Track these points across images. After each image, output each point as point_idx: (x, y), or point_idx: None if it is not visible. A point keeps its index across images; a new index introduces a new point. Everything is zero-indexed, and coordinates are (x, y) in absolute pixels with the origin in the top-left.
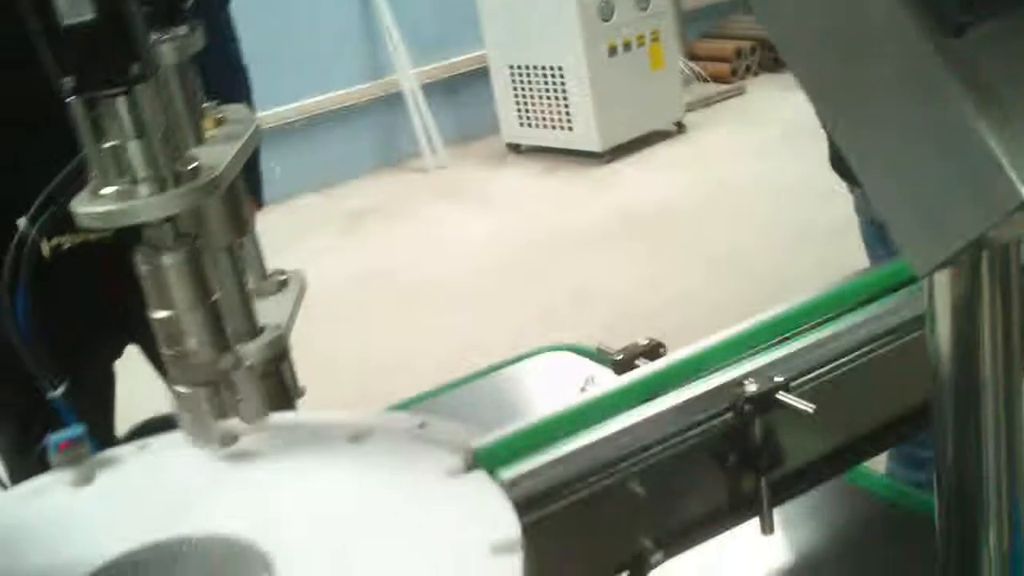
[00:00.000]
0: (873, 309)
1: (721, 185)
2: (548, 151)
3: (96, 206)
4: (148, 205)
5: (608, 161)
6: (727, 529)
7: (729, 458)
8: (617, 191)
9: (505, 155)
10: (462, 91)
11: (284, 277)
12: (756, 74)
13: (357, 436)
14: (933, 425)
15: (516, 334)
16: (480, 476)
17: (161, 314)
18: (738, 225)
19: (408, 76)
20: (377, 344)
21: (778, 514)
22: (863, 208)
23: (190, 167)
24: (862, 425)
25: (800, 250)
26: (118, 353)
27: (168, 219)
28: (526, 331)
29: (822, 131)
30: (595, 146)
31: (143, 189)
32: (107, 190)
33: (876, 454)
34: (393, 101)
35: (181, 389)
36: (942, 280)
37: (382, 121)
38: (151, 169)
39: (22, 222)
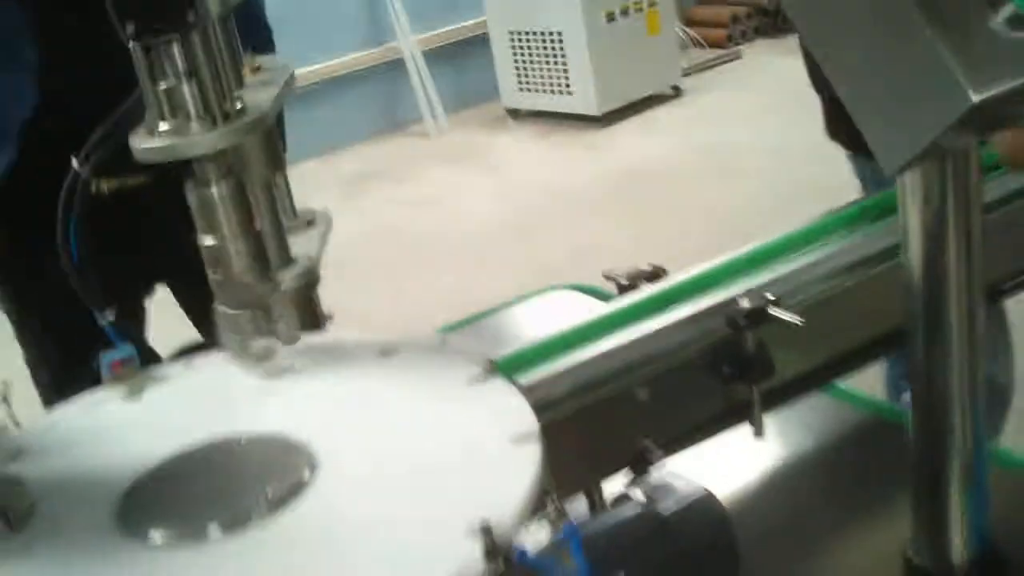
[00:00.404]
0: (858, 237)
1: (717, 147)
2: (547, 115)
3: (153, 141)
4: (201, 140)
5: (606, 124)
6: (722, 432)
7: (724, 368)
8: (615, 153)
9: (505, 120)
10: (462, 57)
11: (311, 217)
12: (752, 40)
13: (386, 352)
14: (908, 338)
15: (519, 290)
16: (500, 382)
17: (209, 241)
18: (734, 185)
19: (409, 43)
20: (380, 301)
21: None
22: (861, 173)
23: (237, 107)
24: (846, 341)
25: (794, 209)
26: (148, 293)
27: (217, 154)
28: (528, 287)
29: (816, 95)
30: (593, 110)
31: (196, 126)
32: (163, 127)
33: (859, 368)
34: (394, 67)
35: (225, 310)
36: (913, 193)
37: (383, 87)
38: (203, 108)
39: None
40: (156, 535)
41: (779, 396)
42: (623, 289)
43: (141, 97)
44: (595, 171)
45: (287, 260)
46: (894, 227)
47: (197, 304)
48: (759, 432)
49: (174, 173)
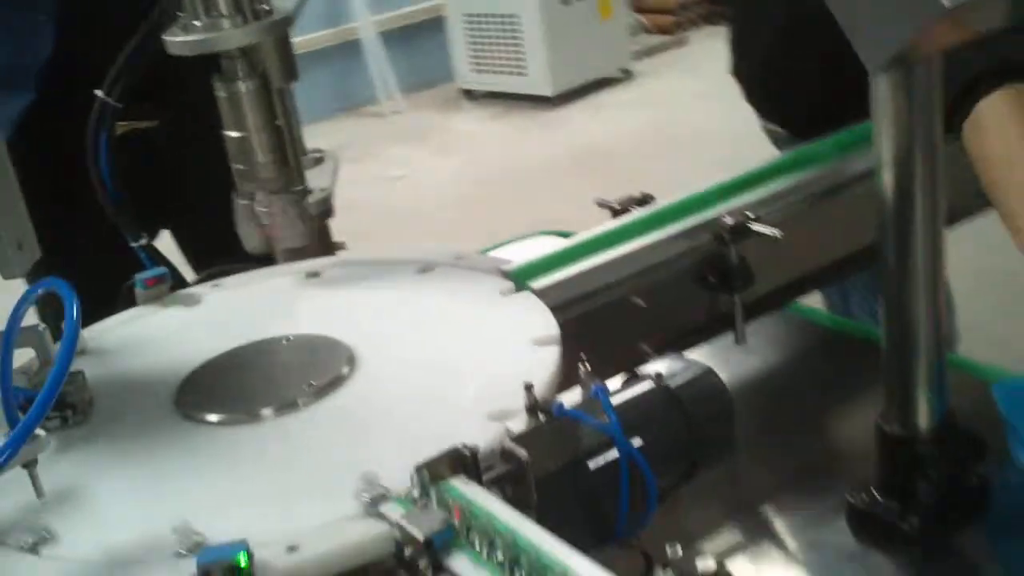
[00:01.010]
0: (834, 163)
1: (665, 127)
2: (501, 96)
3: (188, 35)
4: (233, 34)
5: (559, 105)
6: (708, 339)
7: (710, 279)
8: (568, 132)
9: (459, 100)
10: (418, 39)
11: (321, 155)
12: (699, 26)
13: (424, 268)
14: (880, 252)
15: None
16: (526, 294)
17: (235, 134)
18: (680, 163)
19: (366, 23)
20: None
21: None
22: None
23: (264, 7)
24: (822, 256)
25: None
26: (153, 237)
27: (246, 50)
28: None
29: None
30: (547, 91)
31: (227, 23)
32: (197, 23)
33: (834, 283)
34: (351, 48)
35: (243, 202)
36: (884, 121)
37: (339, 68)
38: (234, 6)
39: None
40: (212, 416)
41: (761, 307)
42: (616, 213)
43: (157, 28)
44: (550, 149)
45: (301, 171)
46: (866, 156)
47: (201, 250)
48: (740, 339)
49: (186, 116)
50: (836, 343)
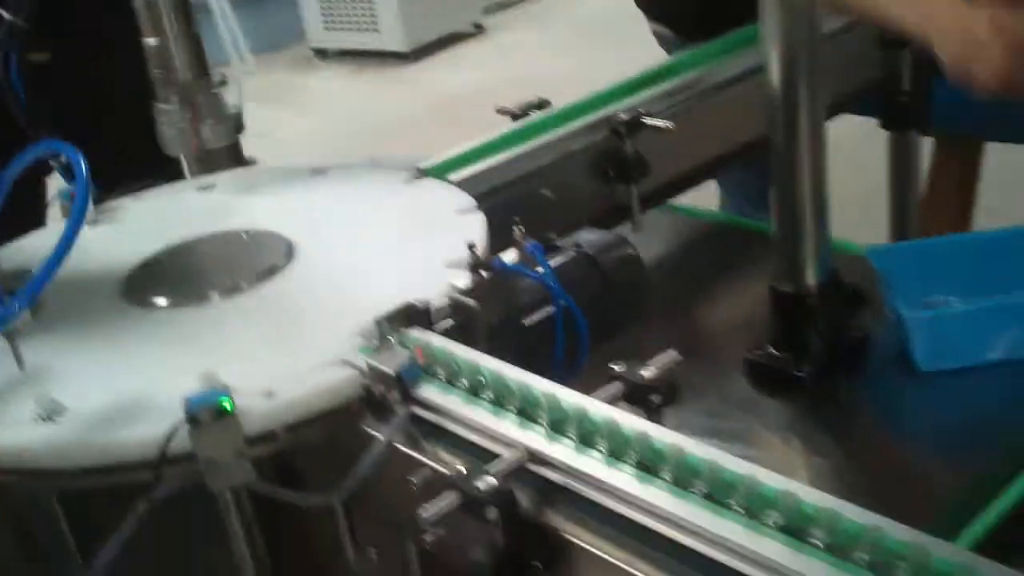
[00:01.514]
0: (721, 62)
1: (521, 79)
2: (354, 54)
3: None
4: None
5: (414, 61)
6: (608, 229)
7: (609, 172)
8: (425, 87)
9: (312, 60)
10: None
11: (223, 77)
12: None
13: (318, 171)
14: (769, 143)
15: None
16: (431, 180)
17: (154, 41)
18: None
19: None
20: None
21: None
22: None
23: None
24: (713, 149)
25: None
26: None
27: None
28: None
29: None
30: (401, 46)
31: None
32: None
33: (722, 174)
34: (198, 11)
35: (165, 107)
36: (771, 23)
37: None
38: None
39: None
40: (160, 301)
41: (659, 197)
42: (516, 118)
43: None
44: (408, 104)
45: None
46: (752, 55)
47: (107, 171)
48: (637, 227)
49: (76, 49)
50: (725, 235)
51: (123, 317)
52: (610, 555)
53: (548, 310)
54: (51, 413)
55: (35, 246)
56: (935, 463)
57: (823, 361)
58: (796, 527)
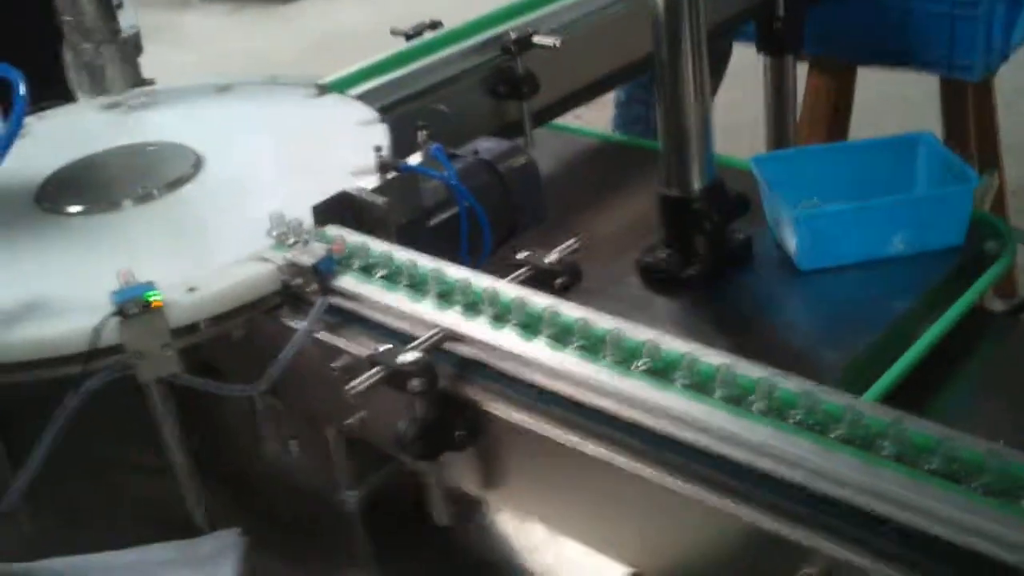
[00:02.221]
0: None
1: (396, 13)
2: None
3: None
4: None
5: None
6: None
7: (499, 88)
8: (310, 23)
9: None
10: None
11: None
12: None
13: (223, 89)
14: (656, 63)
15: None
16: (333, 95)
17: None
18: None
19: None
20: None
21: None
22: None
23: None
24: (599, 68)
25: None
26: None
27: None
28: None
29: None
30: None
31: None
32: None
33: (609, 90)
34: None
35: (75, 53)
36: None
37: None
38: None
39: None
40: (74, 208)
41: (549, 114)
42: (409, 38)
43: None
44: (290, 41)
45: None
46: None
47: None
48: (529, 144)
49: None
50: (614, 153)
51: (37, 224)
52: (527, 422)
53: (452, 211)
54: None
55: None
56: (814, 352)
57: (710, 262)
58: (696, 383)
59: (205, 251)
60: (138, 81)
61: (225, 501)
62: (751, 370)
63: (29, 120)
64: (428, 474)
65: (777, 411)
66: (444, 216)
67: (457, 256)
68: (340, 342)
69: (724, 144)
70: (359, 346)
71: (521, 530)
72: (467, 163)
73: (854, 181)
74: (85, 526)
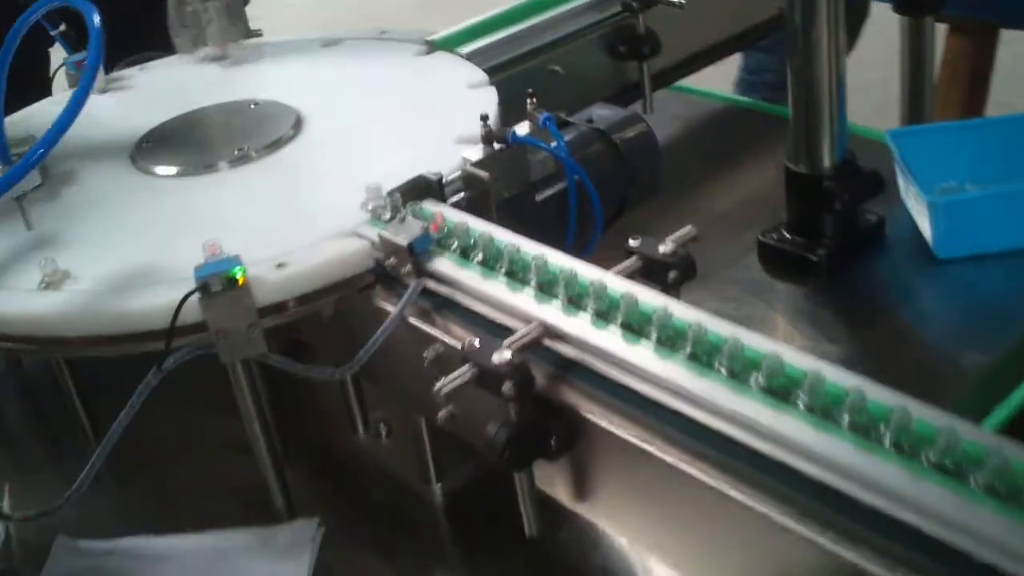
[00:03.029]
0: None
1: None
2: None
3: None
4: None
5: None
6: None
7: (620, 48)
8: None
9: None
10: None
11: None
12: None
13: (328, 43)
14: (787, 24)
15: None
16: (443, 53)
17: None
18: None
19: None
20: None
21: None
22: None
23: None
24: (726, 28)
25: None
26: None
27: None
28: None
29: None
30: None
31: None
32: None
33: (733, 53)
34: None
35: (179, 9)
36: None
37: None
38: None
39: None
40: (169, 170)
41: (670, 77)
42: None
43: None
44: None
45: None
46: None
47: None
48: (648, 108)
49: None
50: (740, 118)
51: (131, 185)
52: (626, 432)
53: (561, 185)
54: (57, 281)
55: (44, 113)
56: (950, 351)
57: (838, 246)
58: (821, 407)
59: (299, 221)
60: (245, 33)
61: (311, 483)
62: (884, 395)
63: (131, 72)
64: (518, 481)
65: (911, 448)
66: (552, 190)
67: (565, 233)
68: (433, 330)
69: (851, 106)
70: (452, 336)
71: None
72: (580, 132)
73: (1002, 160)
74: (172, 503)
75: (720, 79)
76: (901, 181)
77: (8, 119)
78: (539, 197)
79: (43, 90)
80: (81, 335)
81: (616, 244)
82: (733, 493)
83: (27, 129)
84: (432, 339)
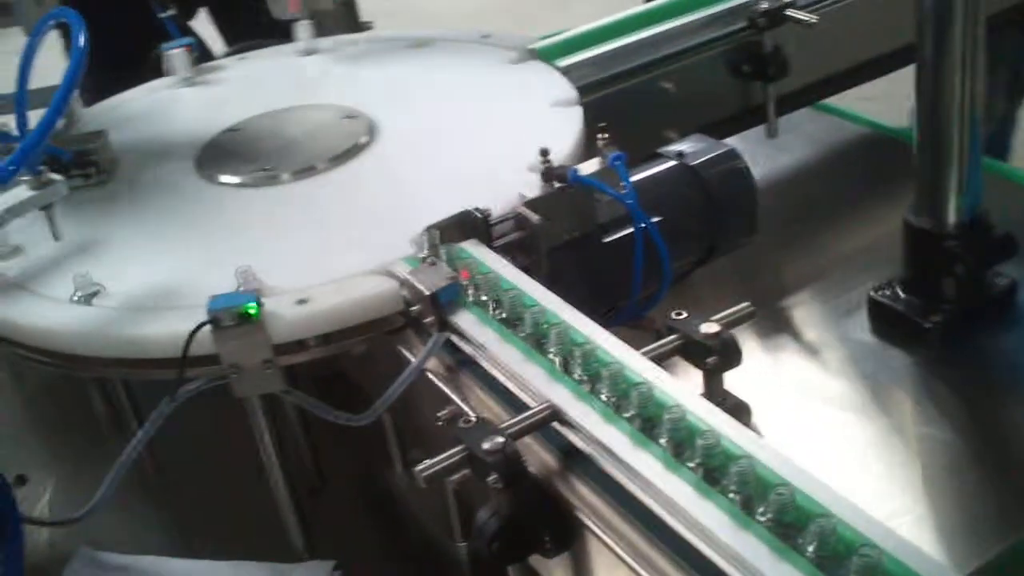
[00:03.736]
0: None
1: None
2: None
3: None
4: None
5: None
6: (739, 131)
7: (743, 67)
8: None
9: None
10: None
11: None
12: None
13: (421, 43)
14: (917, 58)
15: None
16: (537, 63)
17: None
18: None
19: None
20: None
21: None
22: None
23: None
24: (860, 51)
25: None
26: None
27: None
28: None
29: None
30: None
31: None
32: None
33: (867, 80)
34: None
35: None
36: None
37: None
38: None
39: None
40: (232, 179)
41: (796, 100)
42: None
43: None
44: None
45: None
46: None
47: (234, 29)
48: (772, 132)
49: None
50: (870, 144)
51: (188, 192)
52: (621, 549)
53: (630, 228)
54: (88, 295)
55: (135, 100)
56: None
57: (958, 312)
58: (828, 555)
59: (339, 247)
60: (353, 20)
61: (343, 514)
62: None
63: (228, 62)
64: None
65: None
66: (623, 233)
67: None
68: (447, 388)
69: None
70: (468, 400)
71: None
72: (665, 167)
73: None
74: (197, 532)
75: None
76: None
77: (105, 103)
78: (607, 239)
79: (157, 74)
80: (96, 355)
81: (702, 290)
82: None
83: (104, 121)
84: (448, 399)
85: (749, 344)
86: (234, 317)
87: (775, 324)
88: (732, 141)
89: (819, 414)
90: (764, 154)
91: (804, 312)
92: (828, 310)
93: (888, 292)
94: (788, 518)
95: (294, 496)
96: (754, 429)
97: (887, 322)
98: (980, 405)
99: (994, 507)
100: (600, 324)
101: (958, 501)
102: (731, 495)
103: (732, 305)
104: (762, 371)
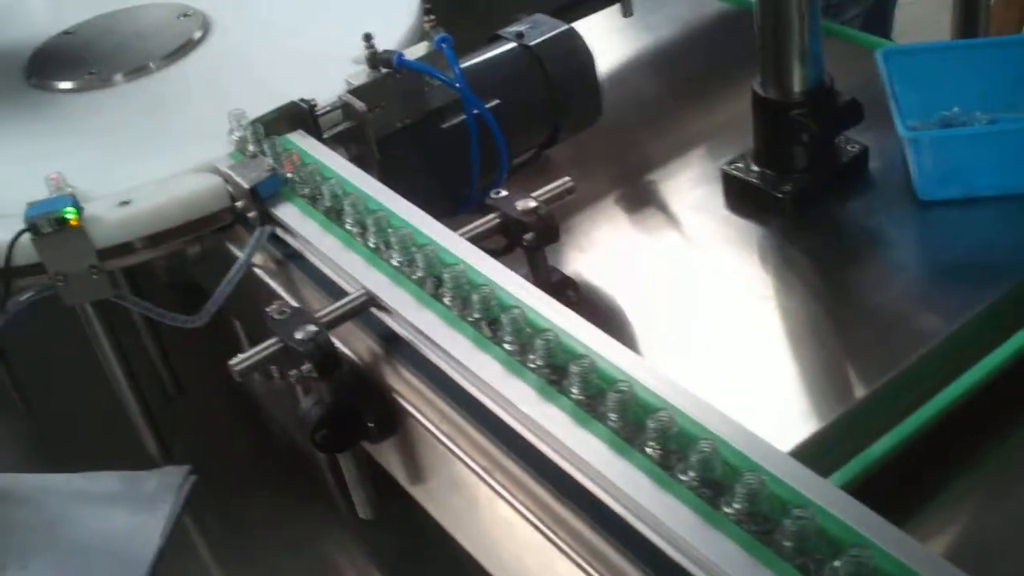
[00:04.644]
0: None
1: None
2: None
3: None
4: None
5: None
6: (595, 10)
7: None
8: None
9: None
10: None
11: None
12: None
13: None
14: None
15: None
16: None
17: None
18: None
19: None
20: None
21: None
22: None
23: None
24: None
25: None
26: None
27: None
28: None
29: None
30: None
31: None
32: None
33: None
34: None
35: None
36: None
37: None
38: None
39: None
40: (64, 84)
41: None
42: None
43: None
44: None
45: None
46: None
47: None
48: (628, 11)
49: None
50: (734, 20)
51: (18, 100)
52: (438, 429)
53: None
54: None
55: None
56: (917, 308)
57: (808, 182)
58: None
59: (176, 148)
60: None
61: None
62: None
63: None
64: (342, 462)
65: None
66: (460, 119)
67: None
68: (277, 283)
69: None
70: (296, 294)
71: None
72: (503, 50)
73: (1015, 89)
74: (56, 444)
75: None
76: (890, 108)
77: None
78: (445, 126)
79: None
80: None
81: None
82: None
83: None
84: (274, 294)
85: (616, 219)
86: (52, 223)
87: (632, 201)
88: (598, 20)
89: (678, 284)
90: (630, 34)
91: (661, 189)
92: (680, 188)
93: (740, 165)
94: (592, 390)
95: (142, 403)
96: (585, 302)
97: (740, 194)
98: (821, 267)
99: (856, 361)
100: (432, 212)
101: (819, 357)
102: (536, 368)
103: (597, 187)
104: (625, 246)
